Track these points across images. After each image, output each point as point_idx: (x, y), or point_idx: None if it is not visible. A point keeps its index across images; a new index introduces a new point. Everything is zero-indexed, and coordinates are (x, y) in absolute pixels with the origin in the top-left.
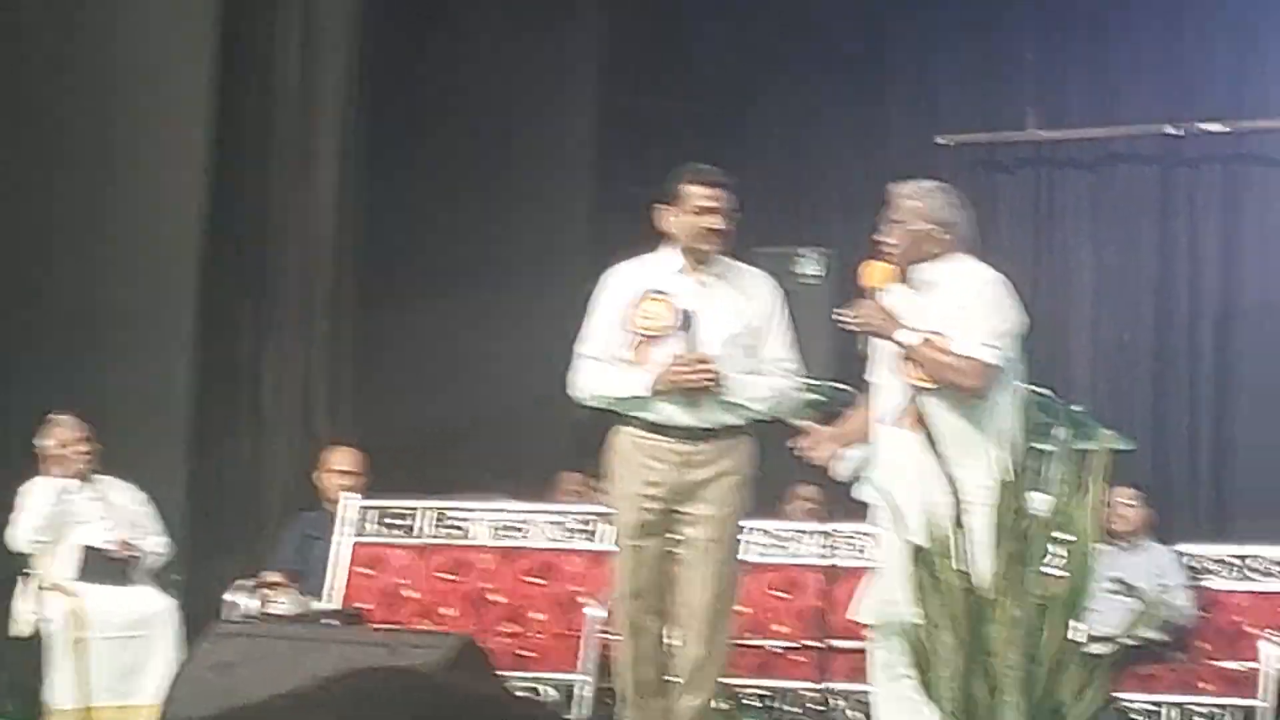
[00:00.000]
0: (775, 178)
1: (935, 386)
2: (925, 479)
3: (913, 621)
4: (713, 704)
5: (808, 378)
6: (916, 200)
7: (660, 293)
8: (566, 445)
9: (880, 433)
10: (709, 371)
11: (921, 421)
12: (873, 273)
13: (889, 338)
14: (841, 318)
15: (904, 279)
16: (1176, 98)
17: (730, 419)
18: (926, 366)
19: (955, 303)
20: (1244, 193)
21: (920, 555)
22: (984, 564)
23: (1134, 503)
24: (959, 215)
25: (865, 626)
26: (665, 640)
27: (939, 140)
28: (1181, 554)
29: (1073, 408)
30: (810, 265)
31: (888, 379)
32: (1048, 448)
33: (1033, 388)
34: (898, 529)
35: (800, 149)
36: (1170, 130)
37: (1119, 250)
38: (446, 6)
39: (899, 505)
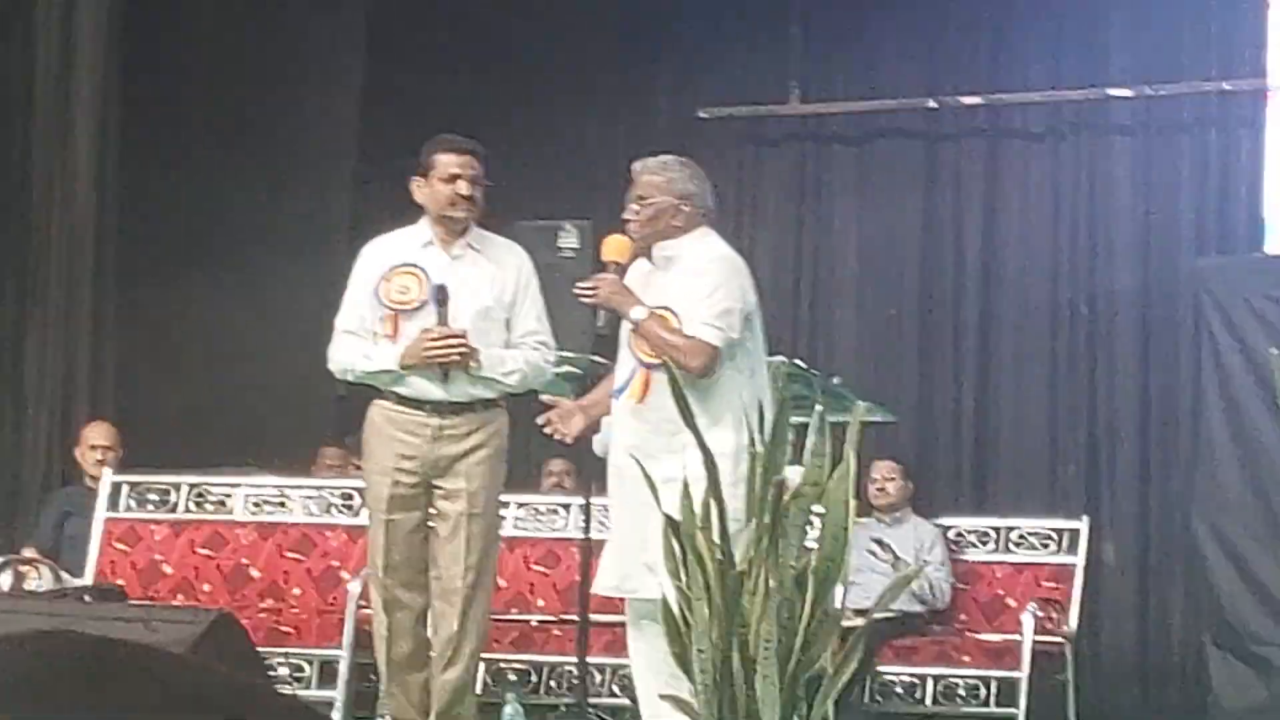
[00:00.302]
0: (538, 151)
1: (662, 363)
2: (654, 451)
3: (665, 594)
4: (473, 679)
5: (566, 351)
6: (657, 175)
7: (412, 266)
8: (328, 420)
9: (614, 406)
10: (458, 345)
11: (647, 395)
12: (612, 246)
13: (623, 313)
14: (579, 292)
15: (648, 254)
16: (938, 72)
17: (483, 392)
18: (652, 343)
19: (686, 280)
20: (1003, 166)
21: (673, 527)
22: (738, 537)
23: (894, 476)
24: (700, 189)
25: (624, 600)
26: (426, 615)
27: (702, 114)
28: (943, 527)
29: (831, 380)
30: (571, 238)
31: (624, 353)
32: (805, 420)
33: (788, 360)
34: (630, 498)
35: (563, 122)
36: (932, 104)
37: (883, 224)
38: None
39: (634, 476)
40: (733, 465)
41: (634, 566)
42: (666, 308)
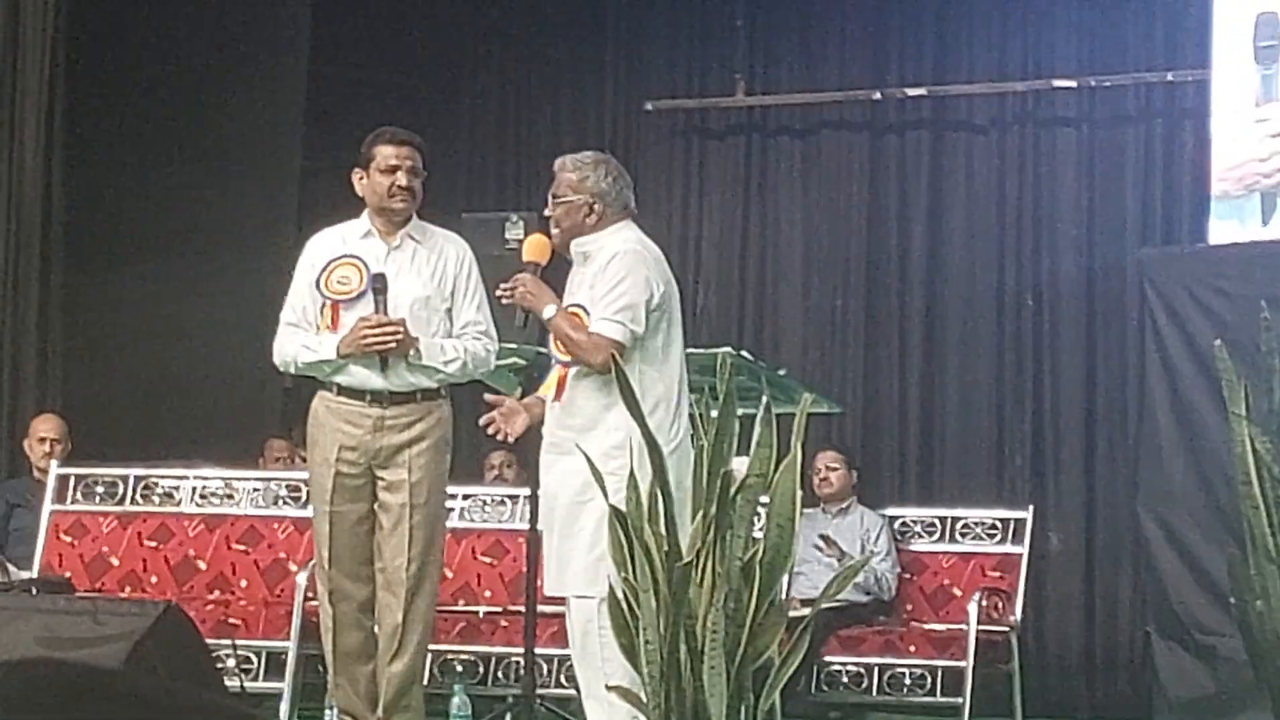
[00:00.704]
0: (486, 144)
1: (573, 360)
2: (569, 448)
3: (612, 586)
4: (420, 670)
5: (509, 342)
6: (572, 173)
7: (352, 257)
8: (275, 412)
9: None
10: (394, 332)
11: (562, 392)
12: (532, 246)
13: (536, 312)
14: (499, 293)
15: (567, 251)
16: (882, 64)
17: (423, 381)
18: (561, 341)
19: (595, 276)
20: (948, 157)
21: (620, 519)
22: (686, 527)
23: (837, 466)
24: (615, 187)
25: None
26: (372, 606)
27: (648, 106)
28: (888, 517)
29: (777, 371)
30: (517, 230)
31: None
32: (751, 411)
33: (734, 351)
34: (551, 495)
35: (512, 115)
36: (876, 96)
37: (828, 215)
38: None
39: (557, 475)
40: (623, 455)
41: (574, 560)
42: (579, 305)
